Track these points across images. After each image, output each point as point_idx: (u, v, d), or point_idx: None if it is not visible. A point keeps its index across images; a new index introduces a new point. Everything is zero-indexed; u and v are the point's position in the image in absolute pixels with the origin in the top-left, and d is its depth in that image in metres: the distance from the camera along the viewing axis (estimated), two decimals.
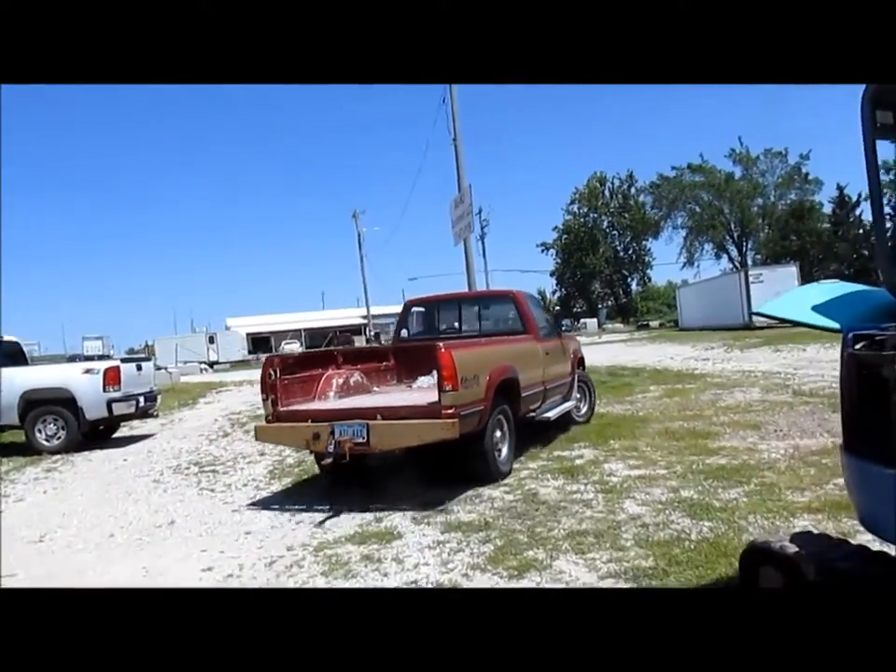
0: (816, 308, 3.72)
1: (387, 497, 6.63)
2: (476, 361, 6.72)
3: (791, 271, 35.66)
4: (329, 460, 6.48)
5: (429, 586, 4.47)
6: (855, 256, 47.21)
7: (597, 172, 78.93)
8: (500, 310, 9.73)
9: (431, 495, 6.50)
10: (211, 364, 51.31)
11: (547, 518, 5.61)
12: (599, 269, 77.60)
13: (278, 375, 6.93)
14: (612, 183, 78.55)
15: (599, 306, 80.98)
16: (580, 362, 10.49)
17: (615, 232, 79.43)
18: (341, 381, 7.93)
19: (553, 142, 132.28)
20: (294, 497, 7.15)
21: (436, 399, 6.27)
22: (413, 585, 4.51)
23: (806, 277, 40.69)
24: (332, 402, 7.45)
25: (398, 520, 5.91)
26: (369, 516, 6.10)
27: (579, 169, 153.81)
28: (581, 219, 79.06)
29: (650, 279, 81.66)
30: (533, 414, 8.30)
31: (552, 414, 8.56)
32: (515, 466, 7.48)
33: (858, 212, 50.02)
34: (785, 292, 3.82)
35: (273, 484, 7.92)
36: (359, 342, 63.20)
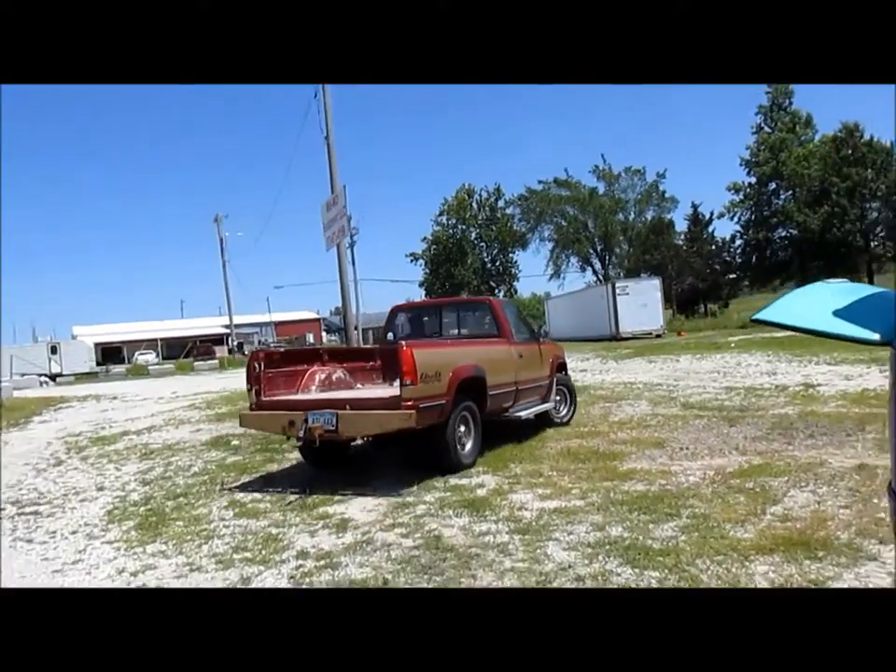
0: (839, 314, 2.89)
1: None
2: (438, 360, 7.28)
3: (655, 283, 36.82)
4: (299, 443, 7.43)
5: (430, 587, 4.41)
6: (709, 270, 49.75)
7: (465, 184, 79.60)
8: (478, 315, 10.30)
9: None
10: (53, 377, 46.92)
11: (459, 571, 4.61)
12: (467, 280, 77.98)
13: (262, 368, 7.75)
14: (480, 195, 79.42)
15: None
16: (560, 367, 10.76)
17: (483, 244, 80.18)
18: (323, 376, 8.59)
19: (425, 152, 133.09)
20: (133, 551, 5.76)
21: (398, 392, 6.85)
22: (414, 586, 4.45)
23: (666, 290, 42.32)
24: (310, 395, 8.11)
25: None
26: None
27: (449, 180, 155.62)
28: (450, 231, 79.29)
29: (516, 291, 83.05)
30: (507, 413, 8.81)
31: (523, 414, 9.01)
32: (409, 500, 6.47)
33: (711, 229, 52.94)
34: (782, 295, 3.00)
35: (112, 530, 6.43)
36: (221, 352, 60.25)
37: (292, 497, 6.86)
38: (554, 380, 10.18)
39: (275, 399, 7.82)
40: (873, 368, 13.85)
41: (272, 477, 8.20)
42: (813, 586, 4.04)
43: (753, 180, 49.03)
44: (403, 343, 7.06)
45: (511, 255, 78.87)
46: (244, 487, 7.66)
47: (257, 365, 7.76)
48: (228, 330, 59.60)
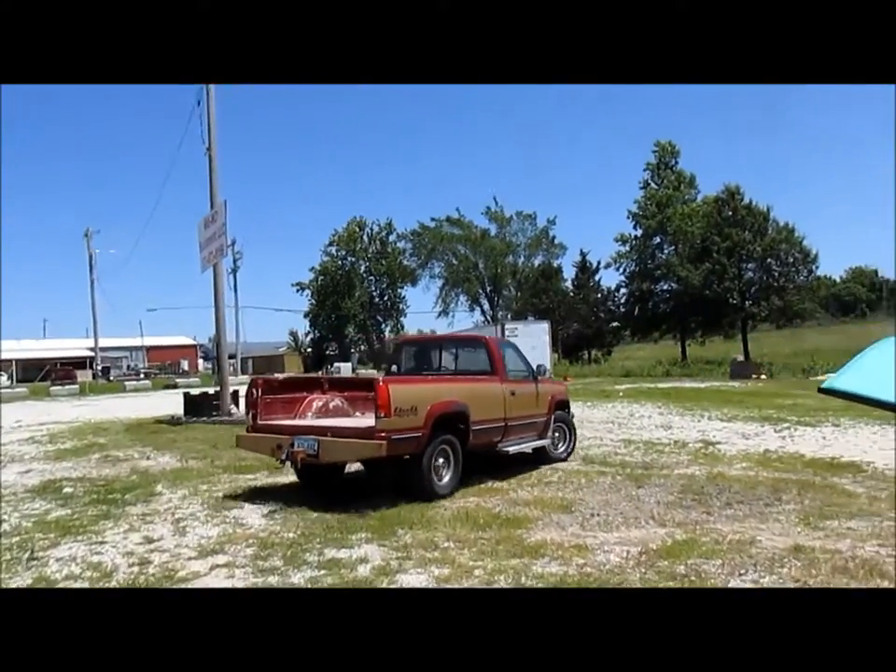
0: None
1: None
2: (414, 395, 7.72)
3: (544, 326, 36.69)
4: (281, 465, 8.07)
5: (429, 587, 4.41)
6: (594, 318, 50.70)
7: (357, 216, 78.58)
8: (473, 352, 10.40)
9: None
10: None
11: None
12: (354, 313, 76.60)
13: (259, 394, 8.26)
14: (371, 228, 78.62)
15: (352, 350, 79.86)
16: (560, 405, 10.79)
17: (372, 278, 79.17)
18: (320, 404, 8.97)
19: (315, 182, 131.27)
20: None
21: (373, 423, 7.30)
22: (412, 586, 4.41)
23: (553, 335, 42.54)
24: (304, 420, 8.52)
25: None
26: None
27: (339, 212, 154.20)
28: (339, 262, 77.85)
29: (403, 326, 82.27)
30: (496, 448, 9.12)
31: (511, 449, 9.33)
32: (272, 580, 5.13)
33: (598, 278, 54.17)
34: (856, 359, 2.28)
35: None
36: (84, 376, 55.68)
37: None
38: (551, 417, 10.34)
39: (269, 423, 8.27)
40: (766, 427, 13.65)
41: (102, 541, 6.60)
42: (813, 586, 4.00)
43: (639, 233, 50.67)
44: (379, 378, 7.70)
45: (399, 290, 78.28)
46: (62, 557, 6.05)
47: (255, 391, 8.32)
48: (93, 353, 55.26)
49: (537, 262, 60.92)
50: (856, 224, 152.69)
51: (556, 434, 10.63)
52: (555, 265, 58.91)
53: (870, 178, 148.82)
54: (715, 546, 5.80)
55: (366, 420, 8.02)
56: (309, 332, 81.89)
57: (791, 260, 41.57)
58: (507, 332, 35.38)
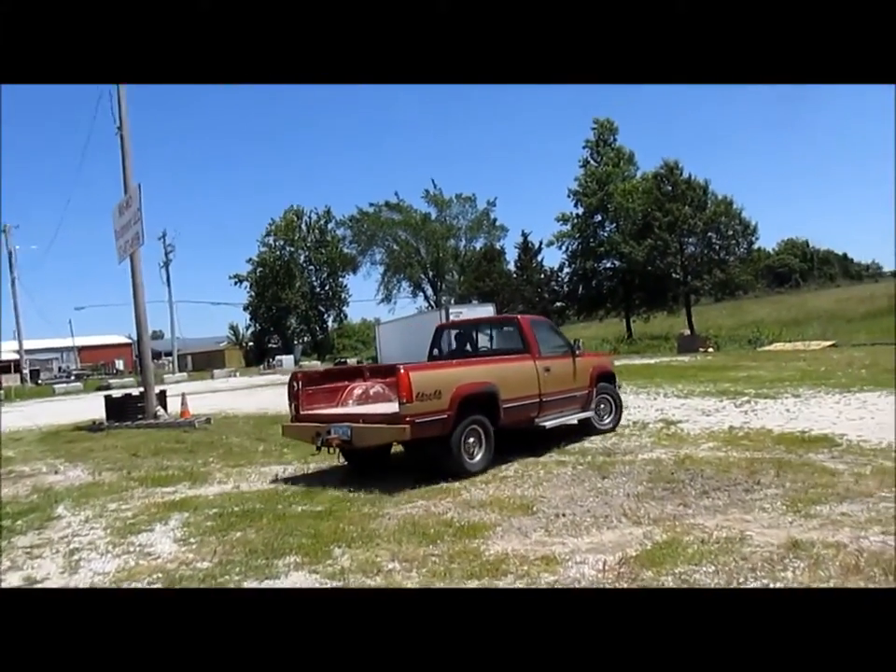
0: None
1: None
2: (437, 380, 8.05)
3: (489, 309, 35.96)
4: (318, 451, 8.56)
5: (430, 587, 4.19)
6: (538, 298, 50.17)
7: (294, 205, 76.71)
8: (507, 332, 10.74)
9: None
10: None
11: None
12: (295, 304, 75.02)
13: (300, 387, 8.92)
14: (310, 217, 76.88)
15: (295, 342, 78.32)
16: (603, 377, 10.94)
17: (312, 267, 77.56)
18: (360, 391, 9.50)
19: (252, 172, 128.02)
20: None
21: (397, 409, 7.71)
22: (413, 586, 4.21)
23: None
24: (340, 409, 9.04)
25: None
26: None
27: (278, 201, 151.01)
28: (277, 252, 76.01)
29: (346, 316, 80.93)
30: (534, 423, 9.42)
31: (548, 424, 9.58)
32: None
33: (540, 258, 53.59)
34: None
35: None
36: (12, 380, 52.75)
37: None
38: (593, 390, 10.54)
39: (309, 412, 8.90)
40: (725, 401, 13.07)
41: None
42: (813, 586, 3.82)
43: (581, 211, 50.29)
44: (400, 366, 7.93)
45: (341, 278, 76.85)
46: None
47: (295, 384, 8.95)
48: (18, 356, 52.45)
49: (478, 245, 60.12)
50: (786, 196, 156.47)
51: (602, 406, 10.86)
52: (497, 247, 58.20)
53: (797, 152, 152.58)
54: (702, 547, 5.01)
55: (395, 406, 8.19)
56: (250, 325, 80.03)
57: (731, 233, 41.68)
58: (451, 316, 34.53)
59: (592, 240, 49.51)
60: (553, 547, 5.28)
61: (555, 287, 52.95)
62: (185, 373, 55.71)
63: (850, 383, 13.63)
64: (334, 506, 7.09)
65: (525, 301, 49.13)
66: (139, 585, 4.50)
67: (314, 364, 60.49)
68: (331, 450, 8.45)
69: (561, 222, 51.68)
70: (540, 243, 53.54)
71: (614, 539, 5.39)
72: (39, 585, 4.56)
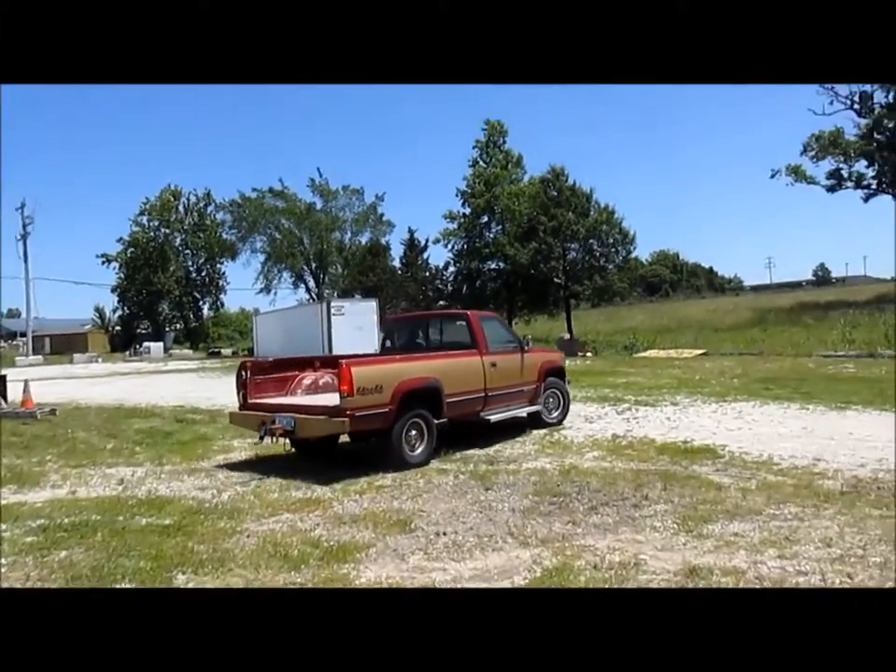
0: None
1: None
2: (378, 374, 8.26)
3: (372, 305, 35.16)
4: (260, 441, 8.54)
5: (429, 587, 4.18)
6: (422, 296, 49.70)
7: (172, 185, 72.84)
8: (456, 327, 10.74)
9: None
10: None
11: None
12: (169, 289, 71.29)
13: (248, 375, 9.03)
14: (188, 199, 73.27)
15: (167, 329, 74.60)
16: (552, 372, 11.28)
17: (188, 251, 74.01)
18: (309, 381, 9.70)
19: (127, 147, 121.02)
20: None
21: (338, 402, 7.90)
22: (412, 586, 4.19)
23: (382, 313, 41.19)
24: (288, 398, 9.23)
25: None
26: None
27: (155, 178, 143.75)
28: (152, 234, 72.02)
29: (223, 304, 77.81)
30: (478, 417, 9.68)
31: (493, 417, 9.80)
32: None
33: (426, 255, 53.09)
34: None
35: None
36: None
37: None
38: (542, 385, 10.83)
39: (256, 401, 8.93)
40: (607, 407, 12.99)
41: None
42: (813, 586, 3.83)
43: (468, 211, 50.21)
44: (342, 360, 8.15)
45: (219, 265, 73.75)
46: None
47: (243, 372, 9.00)
48: None
49: (364, 239, 58.94)
50: (660, 209, 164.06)
51: (550, 400, 11.20)
52: (383, 242, 57.24)
53: (673, 167, 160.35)
54: (595, 574, 4.57)
55: (337, 398, 8.21)
56: (117, 309, 75.34)
57: (612, 241, 42.63)
58: (333, 310, 33.61)
59: (478, 240, 49.51)
60: (432, 573, 4.71)
61: (440, 286, 52.64)
62: (40, 356, 51.61)
63: (724, 392, 13.89)
64: (185, 519, 6.23)
65: (409, 299, 48.62)
66: (139, 585, 4.34)
67: (185, 353, 57.66)
68: (274, 439, 8.40)
69: (448, 220, 51.50)
70: (427, 240, 53.14)
71: (500, 564, 4.87)
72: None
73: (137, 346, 56.16)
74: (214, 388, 21.38)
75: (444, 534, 5.64)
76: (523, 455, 8.86)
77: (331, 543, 5.41)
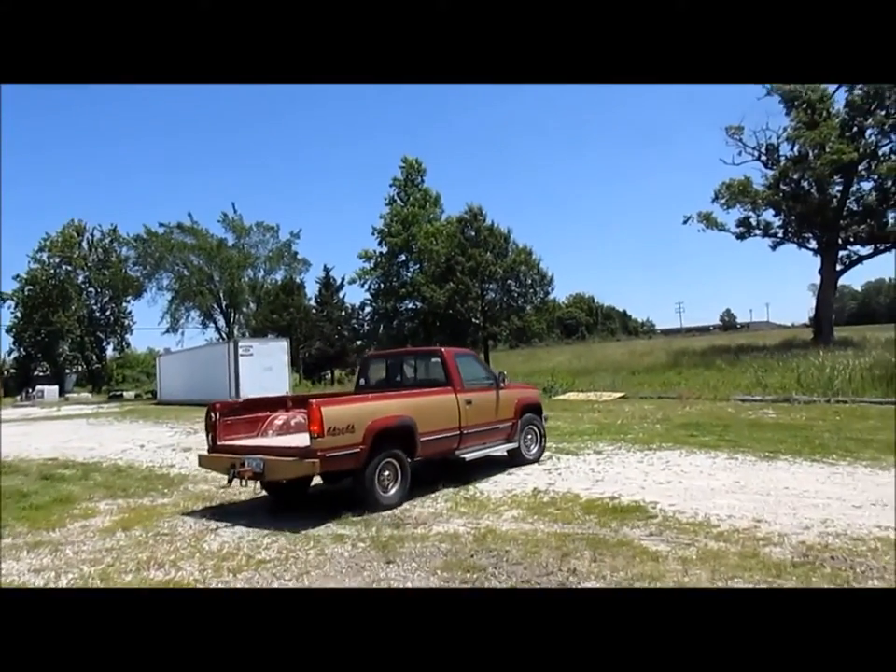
0: None
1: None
2: (349, 414, 8.00)
3: (283, 345, 33.76)
4: (229, 485, 8.30)
5: (430, 587, 4.28)
6: (338, 336, 48.28)
7: (75, 220, 69.62)
8: (430, 365, 10.64)
9: None
10: None
11: None
12: (69, 329, 67.67)
13: (218, 417, 8.69)
14: (93, 234, 70.12)
15: (67, 371, 70.69)
16: (529, 409, 11.17)
17: (92, 289, 70.64)
18: (281, 422, 9.38)
19: (26, 179, 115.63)
20: None
21: (308, 443, 7.64)
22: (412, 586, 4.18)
23: (294, 354, 39.61)
24: (258, 440, 8.87)
25: None
26: None
27: (52, 215, 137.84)
28: (52, 270, 68.40)
29: (129, 344, 74.32)
30: (454, 455, 9.54)
31: (469, 456, 9.70)
32: None
33: (342, 294, 51.78)
34: None
35: None
36: None
37: None
38: (518, 422, 10.74)
39: (225, 443, 8.63)
40: None
41: None
42: (812, 587, 3.90)
43: (385, 250, 49.41)
44: (312, 400, 7.99)
45: (125, 303, 70.53)
46: None
47: (213, 414, 8.70)
48: None
49: (278, 277, 57.22)
50: (574, 251, 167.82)
51: (528, 437, 11.13)
52: (298, 280, 55.60)
53: (585, 211, 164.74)
54: None
55: (302, 439, 8.07)
56: (12, 350, 70.86)
57: (530, 282, 42.57)
58: (241, 350, 32.04)
59: (395, 280, 48.72)
60: None
61: (356, 325, 51.44)
62: None
63: (648, 439, 13.18)
64: None
65: (323, 338, 47.13)
66: (138, 586, 4.17)
67: (83, 396, 54.21)
68: (244, 482, 8.05)
69: (364, 259, 50.53)
70: (343, 279, 51.96)
71: None
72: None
73: (29, 390, 52.41)
74: (101, 435, 19.52)
75: None
76: (433, 516, 7.78)
77: None
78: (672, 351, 43.88)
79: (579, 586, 4.10)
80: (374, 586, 4.26)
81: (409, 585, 5.39)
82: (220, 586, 4.17)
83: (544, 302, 44.88)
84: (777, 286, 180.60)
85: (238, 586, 4.13)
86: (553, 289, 44.92)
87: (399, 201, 50.39)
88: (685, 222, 39.96)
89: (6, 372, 71.90)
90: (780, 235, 38.79)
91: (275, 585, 5.49)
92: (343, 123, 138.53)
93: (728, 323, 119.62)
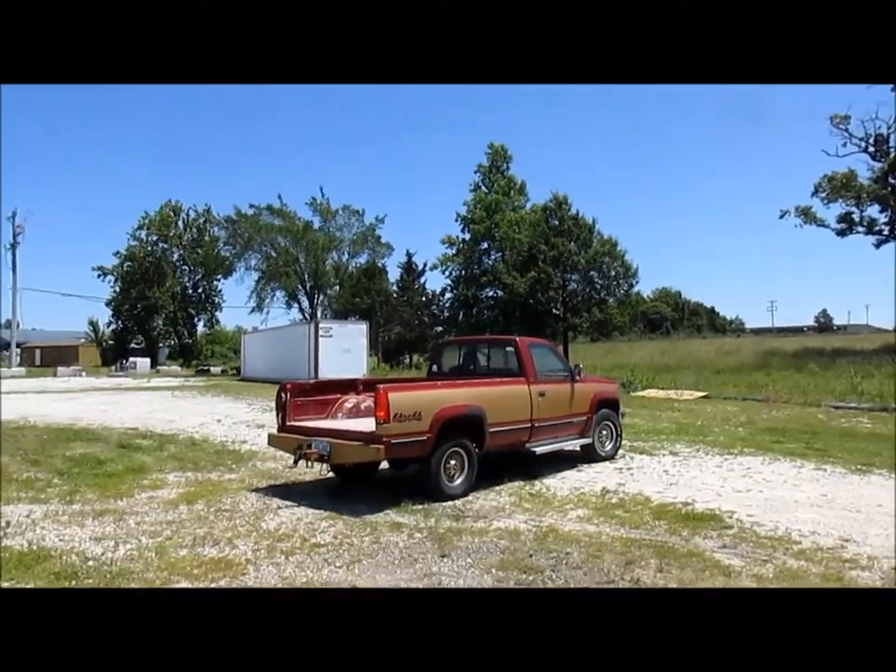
0: None
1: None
2: (417, 401, 7.89)
3: (362, 328, 34.02)
4: (294, 465, 8.35)
5: (429, 587, 4.18)
6: (417, 322, 48.44)
7: (172, 200, 72.14)
8: (504, 354, 10.48)
9: None
10: None
11: None
12: (163, 304, 70.31)
13: (288, 398, 8.77)
14: (188, 214, 72.52)
15: (160, 345, 73.52)
16: (605, 404, 10.77)
17: (185, 267, 73.15)
18: (351, 405, 9.34)
19: (127, 159, 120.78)
20: None
21: (374, 429, 7.59)
22: (412, 586, 4.15)
23: (373, 337, 39.95)
24: (327, 422, 8.92)
25: None
26: None
27: (153, 194, 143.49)
28: (149, 248, 71.16)
29: (218, 321, 76.66)
30: (526, 447, 9.35)
31: (539, 450, 9.46)
32: None
33: (423, 280, 51.93)
34: None
35: None
36: None
37: None
38: (594, 416, 10.43)
39: (294, 423, 8.71)
40: None
41: None
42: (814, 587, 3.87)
43: (467, 237, 49.22)
44: (380, 386, 7.75)
45: (216, 282, 72.74)
46: None
47: (283, 394, 8.79)
48: None
49: (361, 261, 57.80)
50: (664, 246, 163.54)
51: (604, 433, 10.79)
52: (380, 265, 56.01)
53: (682, 204, 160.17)
54: None
55: (369, 424, 7.99)
56: (111, 323, 74.22)
57: (614, 274, 41.66)
58: (321, 332, 32.45)
59: (476, 267, 48.48)
60: None
61: (436, 311, 51.50)
62: (23, 368, 50.19)
63: (730, 443, 12.54)
64: (52, 585, 4.87)
65: (403, 323, 47.37)
66: (138, 586, 4.08)
67: (172, 369, 56.30)
68: (310, 464, 8.13)
69: (447, 245, 50.47)
70: (425, 265, 52.03)
71: None
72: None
73: (124, 361, 54.75)
74: (183, 408, 20.08)
75: None
76: (495, 510, 7.54)
77: None
78: (761, 351, 42.22)
79: (578, 586, 4.04)
80: (374, 586, 4.20)
81: (461, 583, 5.20)
82: (220, 586, 4.12)
83: (628, 295, 43.90)
84: (878, 287, 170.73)
85: (235, 587, 4.07)
86: (637, 282, 43.88)
87: (483, 187, 50.06)
88: (782, 217, 38.26)
89: (104, 343, 75.43)
90: (886, 233, 36.54)
91: (324, 572, 5.39)
92: (428, 111, 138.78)
93: (823, 324, 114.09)
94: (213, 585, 5.05)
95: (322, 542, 6.26)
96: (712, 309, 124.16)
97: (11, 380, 38.16)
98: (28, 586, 4.29)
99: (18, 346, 58.14)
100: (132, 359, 55.38)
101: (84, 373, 48.11)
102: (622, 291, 42.85)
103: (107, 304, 72.57)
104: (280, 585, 4.35)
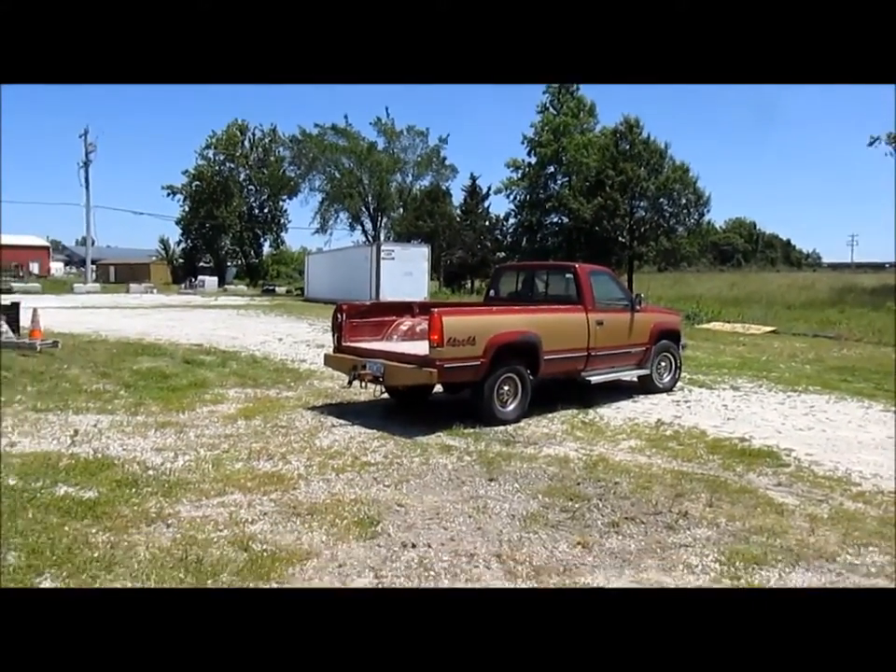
0: None
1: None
2: (472, 326, 7.90)
3: (424, 251, 33.88)
4: (349, 385, 8.49)
5: (430, 586, 3.81)
6: (480, 246, 48.04)
7: (238, 119, 72.16)
8: (563, 281, 10.33)
9: None
10: None
11: None
12: (230, 224, 71.23)
13: (344, 318, 8.83)
14: (254, 133, 72.53)
15: (228, 264, 74.86)
16: (665, 335, 10.62)
17: (252, 187, 73.61)
18: (406, 327, 9.32)
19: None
20: None
21: (427, 352, 7.64)
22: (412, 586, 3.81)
23: (435, 261, 39.82)
24: (382, 344, 8.91)
25: None
26: None
27: (219, 111, 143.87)
28: (217, 167, 71.73)
29: (283, 242, 77.49)
30: (581, 376, 9.29)
31: (595, 378, 9.40)
32: None
33: (486, 204, 51.17)
34: None
35: None
36: None
37: None
38: (653, 347, 10.28)
39: (350, 344, 8.72)
40: None
41: None
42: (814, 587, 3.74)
43: (533, 160, 48.02)
44: (435, 309, 7.81)
45: (281, 202, 73.21)
46: None
47: (339, 315, 8.87)
48: None
49: (425, 183, 57.10)
50: (738, 174, 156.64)
51: (662, 364, 10.63)
52: (444, 187, 55.22)
53: (758, 136, 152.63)
54: None
55: (424, 347, 8.00)
56: (181, 241, 75.85)
57: (684, 202, 40.21)
58: (383, 254, 32.43)
59: (541, 192, 47.43)
60: None
61: (499, 237, 50.90)
62: (98, 285, 52.02)
63: (794, 380, 12.16)
64: (112, 493, 5.15)
65: (465, 247, 47.02)
66: (138, 586, 3.87)
67: (239, 288, 57.51)
68: (364, 384, 8.21)
69: (511, 169, 49.40)
70: (489, 188, 51.11)
71: None
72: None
73: (192, 279, 56.14)
74: (246, 327, 20.54)
75: (413, 546, 4.40)
76: (546, 437, 7.52)
77: (263, 548, 4.21)
78: (837, 287, 40.61)
79: (578, 586, 3.79)
80: (374, 586, 4.08)
81: (506, 506, 5.23)
82: (221, 586, 3.91)
83: (698, 225, 42.44)
84: None
85: (236, 586, 3.88)
86: (708, 211, 42.35)
87: (551, 109, 48.46)
88: (871, 144, 36.08)
89: (174, 262, 77.34)
90: None
91: (373, 490, 5.48)
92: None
93: None
94: (264, 497, 5.22)
95: (372, 461, 6.36)
96: (788, 242, 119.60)
97: (87, 295, 39.64)
98: (28, 586, 4.03)
99: (93, 263, 60.05)
100: (200, 278, 56.72)
101: (155, 290, 49.58)
102: (692, 220, 41.43)
103: (177, 223, 73.88)
104: (286, 584, 4.37)
